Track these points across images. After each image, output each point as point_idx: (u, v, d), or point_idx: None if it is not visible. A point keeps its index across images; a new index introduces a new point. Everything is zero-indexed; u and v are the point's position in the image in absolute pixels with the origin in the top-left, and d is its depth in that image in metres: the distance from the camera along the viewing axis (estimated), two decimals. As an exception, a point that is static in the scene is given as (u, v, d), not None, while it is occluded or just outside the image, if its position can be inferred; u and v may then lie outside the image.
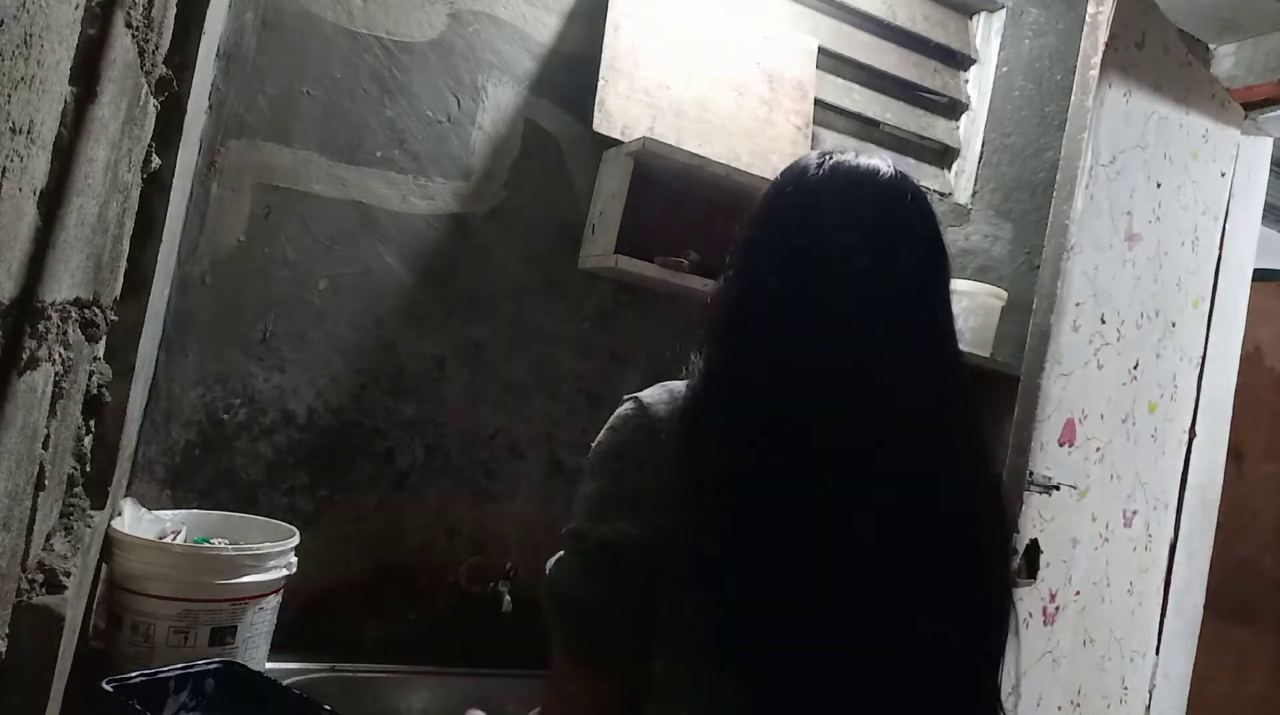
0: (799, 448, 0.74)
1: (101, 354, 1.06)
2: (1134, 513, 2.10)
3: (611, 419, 0.82)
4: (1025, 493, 1.79)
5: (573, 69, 1.68)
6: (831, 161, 0.84)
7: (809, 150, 1.88)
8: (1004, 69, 2.18)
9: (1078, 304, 1.86)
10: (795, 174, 0.85)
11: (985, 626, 0.80)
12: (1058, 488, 1.85)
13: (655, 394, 0.82)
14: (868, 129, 2.06)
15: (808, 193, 0.83)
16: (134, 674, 1.01)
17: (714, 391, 0.79)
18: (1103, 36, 1.77)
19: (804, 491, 0.73)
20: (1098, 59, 1.76)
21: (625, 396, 0.83)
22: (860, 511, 0.73)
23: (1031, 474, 1.79)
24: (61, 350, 0.77)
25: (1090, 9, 1.80)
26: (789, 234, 0.82)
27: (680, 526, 0.73)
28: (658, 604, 0.74)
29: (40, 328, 0.67)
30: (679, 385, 0.82)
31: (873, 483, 0.74)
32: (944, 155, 2.22)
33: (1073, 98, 1.80)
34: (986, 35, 2.20)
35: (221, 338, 1.44)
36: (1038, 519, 1.83)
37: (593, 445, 0.82)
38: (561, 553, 0.80)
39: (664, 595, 0.74)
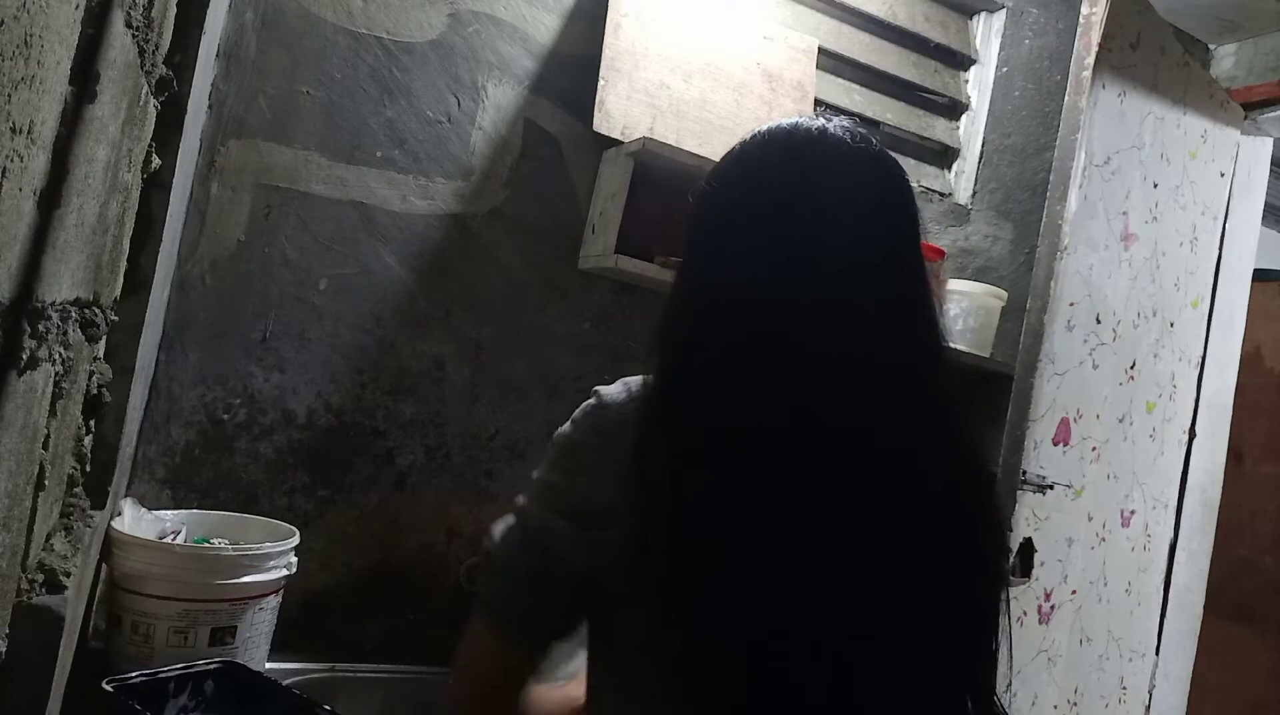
0: (761, 456, 0.70)
1: (101, 354, 1.06)
2: (1132, 512, 2.10)
3: (577, 411, 0.81)
4: (1018, 491, 1.79)
5: (573, 69, 1.68)
6: (764, 133, 0.79)
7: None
8: (1004, 69, 2.18)
9: (1072, 304, 1.86)
10: (732, 156, 0.81)
11: (977, 628, 0.76)
12: (1052, 487, 1.85)
13: (616, 391, 0.80)
14: (868, 129, 2.06)
15: (746, 167, 0.79)
16: (134, 674, 1.01)
17: (664, 398, 0.75)
18: (1096, 37, 1.77)
19: (769, 504, 0.69)
20: (1091, 59, 1.76)
21: (594, 388, 0.81)
22: (835, 527, 0.69)
23: (1025, 473, 1.80)
24: (61, 350, 0.77)
25: (1084, 10, 1.80)
26: (730, 216, 0.79)
27: (629, 543, 0.71)
28: (605, 616, 0.75)
29: (40, 328, 0.67)
30: (637, 381, 0.80)
31: (845, 493, 0.70)
32: (944, 155, 2.22)
33: (1066, 98, 1.80)
34: (986, 35, 2.21)
35: (221, 338, 1.44)
36: (1032, 518, 1.84)
37: (557, 431, 0.82)
38: (510, 522, 0.80)
39: (611, 608, 0.74)
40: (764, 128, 0.81)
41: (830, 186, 0.77)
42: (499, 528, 0.80)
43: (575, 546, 0.74)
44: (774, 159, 0.78)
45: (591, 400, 0.81)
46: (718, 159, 0.85)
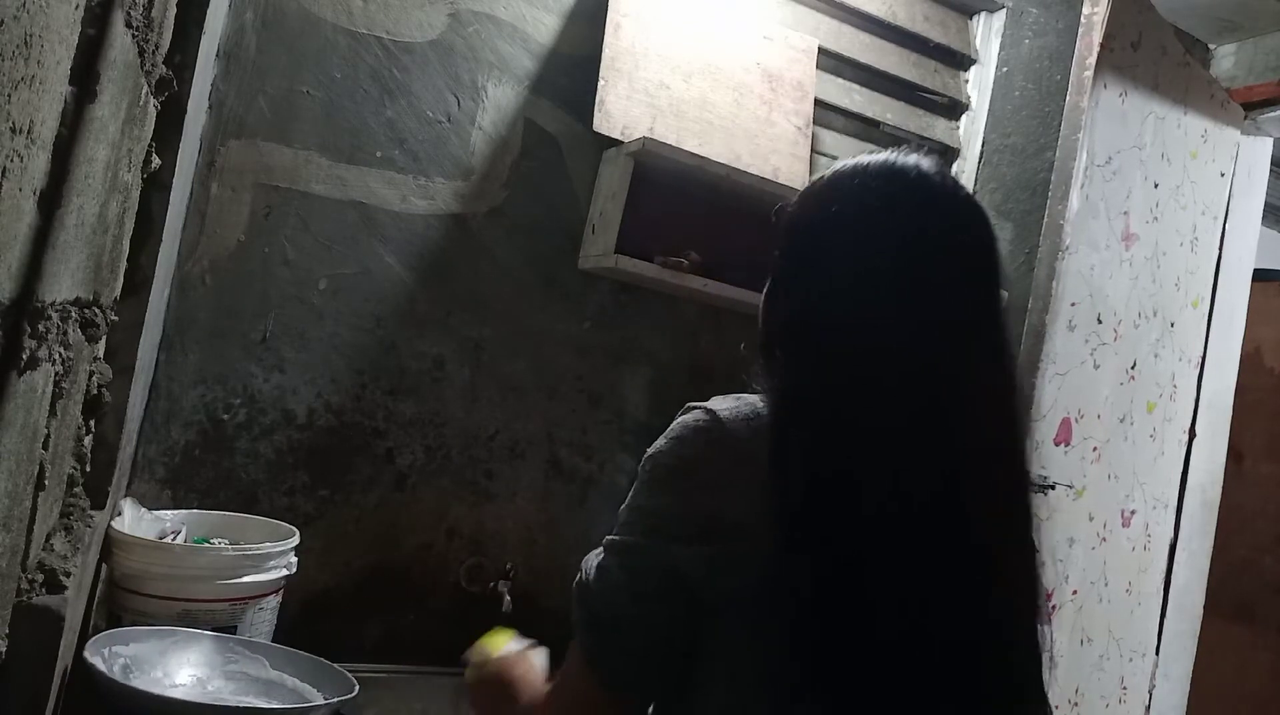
0: (891, 470, 0.70)
1: (101, 354, 1.06)
2: (1133, 512, 2.10)
3: (676, 427, 0.76)
4: (1022, 492, 1.79)
5: (573, 69, 1.68)
6: (855, 165, 0.79)
7: (808, 150, 1.89)
8: (1004, 69, 2.18)
9: (1073, 304, 1.86)
10: (826, 184, 0.80)
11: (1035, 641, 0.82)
12: (1053, 487, 1.85)
13: (729, 406, 0.75)
14: (868, 129, 2.06)
15: (837, 203, 0.78)
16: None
17: (798, 411, 0.72)
18: (1098, 37, 1.77)
19: (903, 533, 0.68)
20: (1092, 59, 1.77)
21: (690, 404, 0.77)
22: (953, 527, 0.70)
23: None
24: (61, 350, 0.77)
25: (1085, 10, 1.80)
26: (821, 249, 0.77)
27: (765, 556, 0.68)
28: (714, 635, 0.70)
29: (40, 328, 0.67)
30: (754, 398, 0.76)
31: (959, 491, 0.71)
32: (944, 155, 2.21)
33: (1068, 99, 1.80)
34: (986, 35, 2.21)
35: (221, 338, 1.44)
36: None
37: (650, 452, 0.76)
38: (603, 558, 0.74)
39: (728, 627, 0.70)
40: (858, 162, 0.80)
41: (934, 231, 0.78)
42: (594, 576, 0.74)
43: (706, 573, 0.70)
44: (878, 197, 0.77)
45: (698, 414, 0.75)
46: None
